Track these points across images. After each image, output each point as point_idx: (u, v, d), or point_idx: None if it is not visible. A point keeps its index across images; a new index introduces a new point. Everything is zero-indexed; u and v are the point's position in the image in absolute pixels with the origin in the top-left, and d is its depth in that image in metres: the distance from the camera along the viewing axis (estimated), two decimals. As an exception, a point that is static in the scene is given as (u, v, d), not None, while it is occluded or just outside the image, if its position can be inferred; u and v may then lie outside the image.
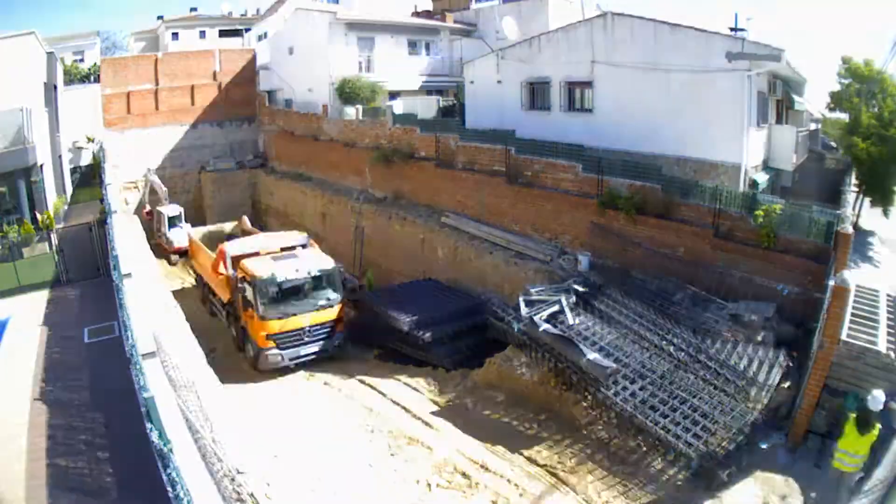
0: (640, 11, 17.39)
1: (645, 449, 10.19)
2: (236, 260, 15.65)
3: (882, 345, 9.00)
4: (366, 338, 17.28)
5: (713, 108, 15.41)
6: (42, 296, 13.58)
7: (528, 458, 10.57)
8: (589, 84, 18.39)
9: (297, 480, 10.38)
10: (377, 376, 14.80)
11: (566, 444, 10.77)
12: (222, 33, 43.09)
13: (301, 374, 15.44)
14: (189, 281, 23.95)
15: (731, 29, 19.24)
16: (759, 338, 11.37)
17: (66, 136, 25.70)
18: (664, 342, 11.64)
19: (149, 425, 6.40)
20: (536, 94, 20.39)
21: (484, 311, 15.22)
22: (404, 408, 12.77)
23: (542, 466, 10.29)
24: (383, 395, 13.55)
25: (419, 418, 12.27)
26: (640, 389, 10.63)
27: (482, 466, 10.42)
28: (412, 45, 29.23)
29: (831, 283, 9.49)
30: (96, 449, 7.75)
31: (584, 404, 11.49)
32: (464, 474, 10.27)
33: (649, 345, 11.77)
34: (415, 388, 13.67)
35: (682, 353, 11.25)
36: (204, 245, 20.06)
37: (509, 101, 20.93)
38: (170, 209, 26.30)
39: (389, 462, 10.85)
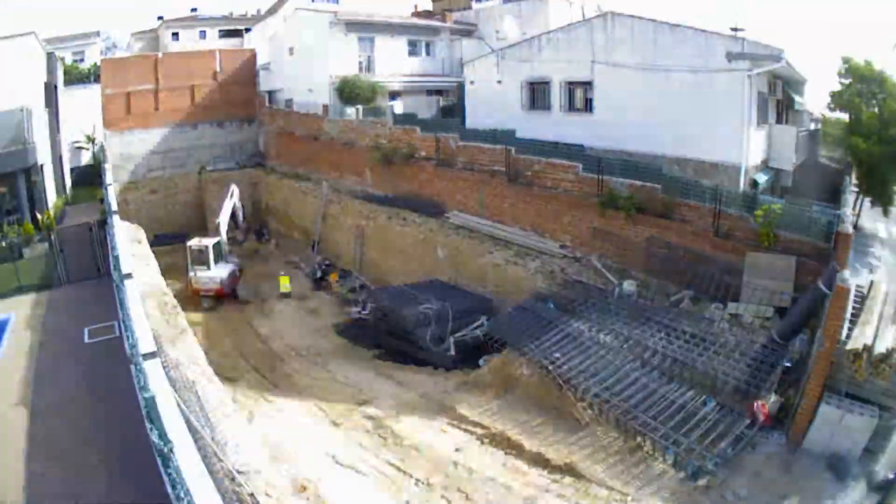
0: (640, 11, 17.38)
1: (646, 450, 10.18)
2: None
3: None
4: (367, 337, 17.31)
5: (713, 108, 15.41)
6: (42, 296, 13.56)
7: (528, 454, 10.56)
8: (589, 84, 18.40)
9: (297, 480, 10.38)
10: (376, 376, 14.81)
11: (567, 442, 10.75)
12: (222, 33, 43.08)
13: (298, 376, 15.47)
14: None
15: (732, 29, 19.23)
16: (760, 338, 11.36)
17: (66, 136, 25.70)
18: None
19: (149, 425, 6.39)
20: (536, 94, 20.40)
21: (488, 311, 15.29)
22: (403, 407, 12.77)
23: (543, 462, 10.28)
24: (382, 393, 13.56)
25: (417, 417, 12.27)
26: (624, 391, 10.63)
27: (484, 462, 10.42)
28: (412, 45, 29.23)
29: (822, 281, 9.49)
30: (97, 449, 7.74)
31: (583, 405, 11.48)
32: (469, 470, 10.27)
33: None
34: (414, 387, 13.67)
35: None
36: None
37: (509, 101, 20.94)
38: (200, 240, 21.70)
39: (389, 460, 10.84)
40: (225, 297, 21.21)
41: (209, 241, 21.58)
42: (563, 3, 27.71)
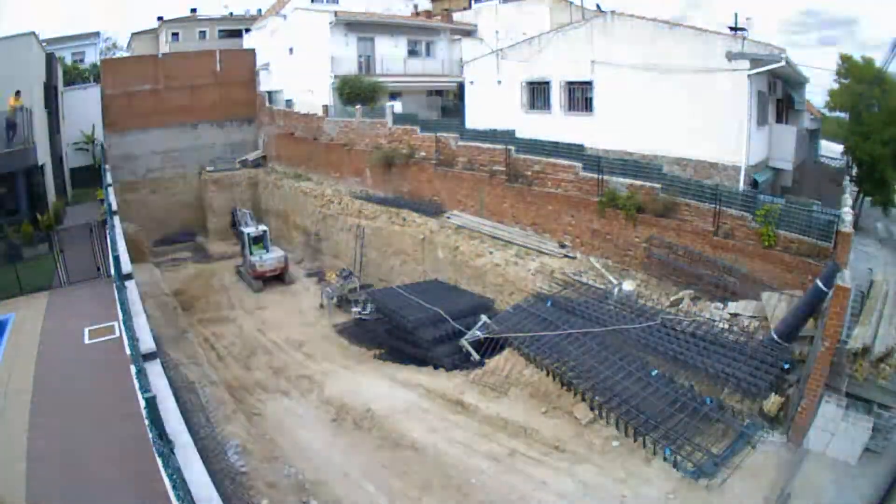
0: (640, 12, 17.41)
1: (646, 450, 10.18)
2: None
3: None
4: (367, 338, 17.31)
5: (713, 108, 15.41)
6: (42, 296, 13.55)
7: (528, 454, 10.56)
8: (589, 84, 18.40)
9: (297, 480, 10.40)
10: (376, 376, 14.82)
11: (567, 442, 10.76)
12: (222, 33, 43.08)
13: (298, 376, 15.49)
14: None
15: (731, 28, 19.23)
16: (760, 337, 11.36)
17: (66, 136, 25.70)
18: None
19: (149, 425, 6.41)
20: (536, 94, 20.40)
21: (487, 311, 15.29)
22: (404, 407, 12.78)
23: (543, 461, 10.29)
24: (382, 393, 13.56)
25: (418, 417, 12.27)
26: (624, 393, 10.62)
27: (484, 462, 10.42)
28: (412, 45, 29.26)
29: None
30: (97, 449, 7.75)
31: (583, 404, 11.49)
32: (468, 469, 10.27)
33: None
34: (414, 387, 13.67)
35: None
36: None
37: (509, 101, 20.94)
38: (252, 229, 23.45)
39: (389, 458, 10.85)
40: (282, 276, 22.95)
41: (263, 227, 23.61)
42: (563, 3, 27.72)
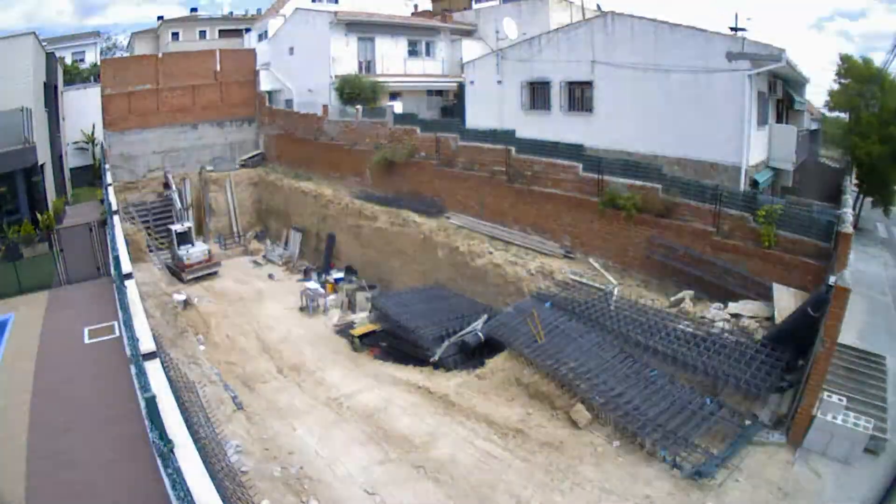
0: (641, 12, 17.43)
1: (645, 451, 10.18)
2: None
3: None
4: (368, 339, 17.30)
5: (713, 108, 15.42)
6: (42, 296, 13.56)
7: (527, 454, 10.56)
8: (589, 84, 18.40)
9: (297, 479, 10.39)
10: (376, 376, 14.81)
11: (566, 443, 10.75)
12: (222, 33, 43.08)
13: (298, 375, 15.48)
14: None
15: (732, 29, 19.22)
16: (759, 337, 11.35)
17: (66, 136, 25.71)
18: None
19: (149, 425, 6.41)
20: (537, 94, 20.40)
21: (488, 314, 15.32)
22: (404, 406, 12.77)
23: (542, 462, 10.28)
24: (382, 393, 13.55)
25: (418, 417, 12.26)
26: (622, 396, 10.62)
27: (483, 462, 10.42)
28: (412, 46, 29.24)
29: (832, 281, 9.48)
30: (97, 449, 7.75)
31: (583, 405, 11.48)
32: (468, 469, 10.26)
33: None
34: (415, 387, 13.67)
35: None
36: None
37: (509, 101, 20.95)
38: (178, 226, 25.38)
39: (389, 458, 10.85)
40: (212, 268, 24.78)
41: (187, 224, 25.84)
42: (563, 3, 27.71)
